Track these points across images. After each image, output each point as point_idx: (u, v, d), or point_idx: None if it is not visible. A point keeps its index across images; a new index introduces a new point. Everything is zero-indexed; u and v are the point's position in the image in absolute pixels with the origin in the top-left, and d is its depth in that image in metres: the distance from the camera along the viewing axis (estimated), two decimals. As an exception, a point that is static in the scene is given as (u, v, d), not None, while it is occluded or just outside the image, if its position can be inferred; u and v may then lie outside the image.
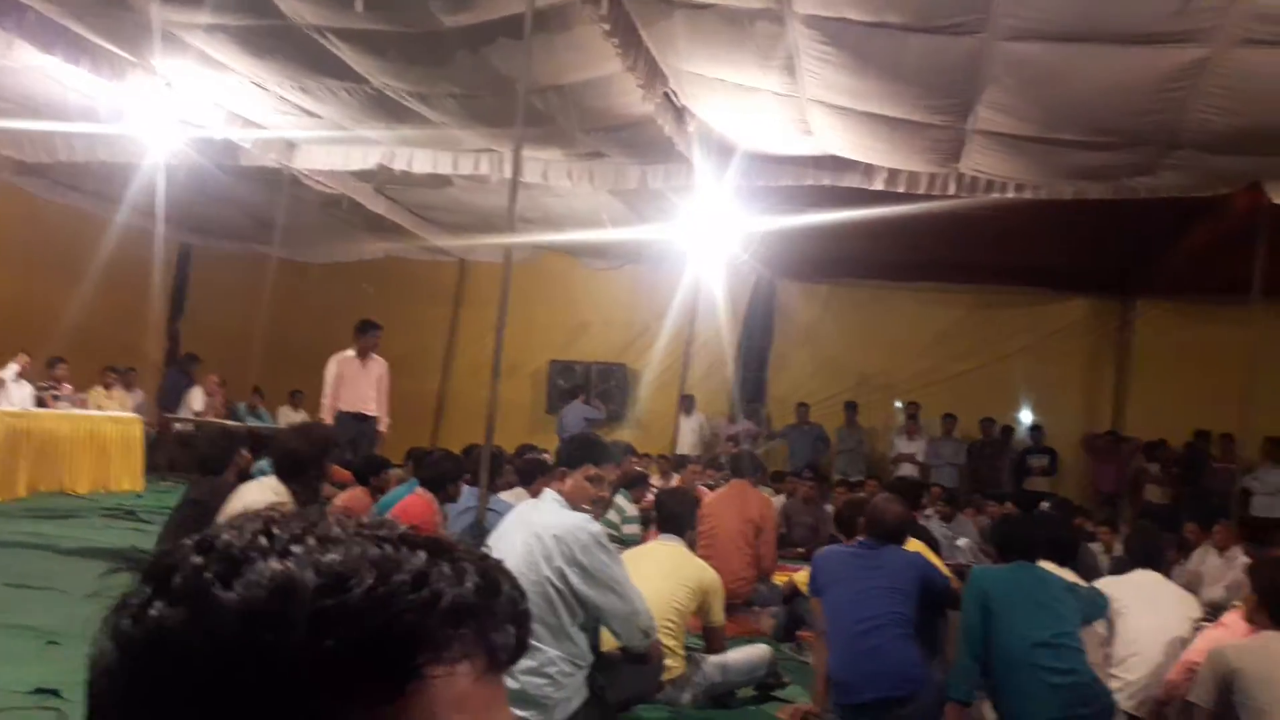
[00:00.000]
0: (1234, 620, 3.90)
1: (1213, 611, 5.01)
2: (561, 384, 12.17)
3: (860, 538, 4.22)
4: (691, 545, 4.44)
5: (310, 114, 7.85)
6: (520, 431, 10.25)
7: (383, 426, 7.82)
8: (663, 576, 3.90)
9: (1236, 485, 8.32)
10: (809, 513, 8.50)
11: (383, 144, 8.42)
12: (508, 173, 6.71)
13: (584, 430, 10.18)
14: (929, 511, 8.03)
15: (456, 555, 0.62)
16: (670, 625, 3.82)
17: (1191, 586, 6.47)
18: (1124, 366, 11.41)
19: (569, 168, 8.36)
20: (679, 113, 7.18)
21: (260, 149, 8.69)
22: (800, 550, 7.56)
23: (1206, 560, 7.25)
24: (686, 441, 11.00)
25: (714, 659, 4.03)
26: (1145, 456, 10.52)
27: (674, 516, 4.26)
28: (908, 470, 10.62)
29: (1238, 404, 8.22)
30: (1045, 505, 8.02)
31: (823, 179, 7.85)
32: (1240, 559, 7.13)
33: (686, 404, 11.28)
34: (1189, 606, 4.61)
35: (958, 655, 3.73)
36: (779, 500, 8.66)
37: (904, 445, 11.11)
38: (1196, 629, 4.32)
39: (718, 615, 4.02)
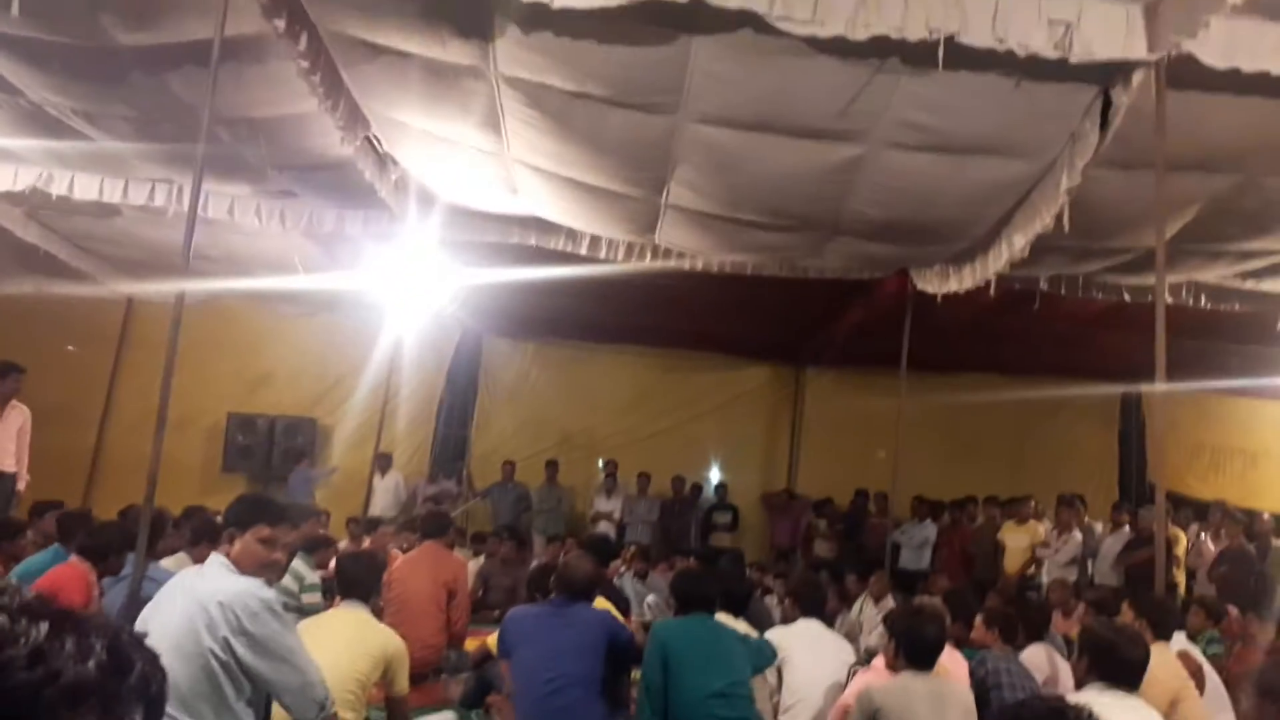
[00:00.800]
0: (879, 664, 4.36)
1: (868, 656, 5.56)
2: (241, 439, 11.30)
3: (551, 596, 4.29)
4: (377, 612, 4.29)
5: (-55, 123, 6.89)
6: (191, 493, 9.38)
7: (21, 484, 6.91)
8: (343, 646, 3.74)
9: (889, 540, 9.36)
10: (507, 574, 8.45)
11: (38, 164, 7.55)
12: (185, 205, 6.26)
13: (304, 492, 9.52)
14: (624, 569, 8.29)
15: (84, 629, 0.58)
16: (350, 697, 3.65)
17: (852, 634, 7.16)
18: (797, 429, 12.56)
19: (258, 205, 7.92)
20: (381, 159, 7.07)
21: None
22: (497, 613, 7.48)
23: (865, 609, 8.06)
24: (382, 502, 10.64)
25: (395, 730, 3.90)
26: (815, 513, 11.56)
27: (357, 582, 4.11)
28: (605, 528, 10.94)
29: (889, 465, 9.32)
30: (723, 560, 8.56)
31: (528, 239, 8.01)
32: (893, 607, 8.01)
33: (383, 462, 10.93)
34: (846, 653, 5.09)
35: (639, 709, 3.88)
36: (476, 562, 8.58)
37: (603, 503, 11.44)
38: (851, 674, 4.79)
39: (402, 684, 3.90)
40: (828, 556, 10.78)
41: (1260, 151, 5.76)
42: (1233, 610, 6.90)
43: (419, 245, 8.03)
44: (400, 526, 8.52)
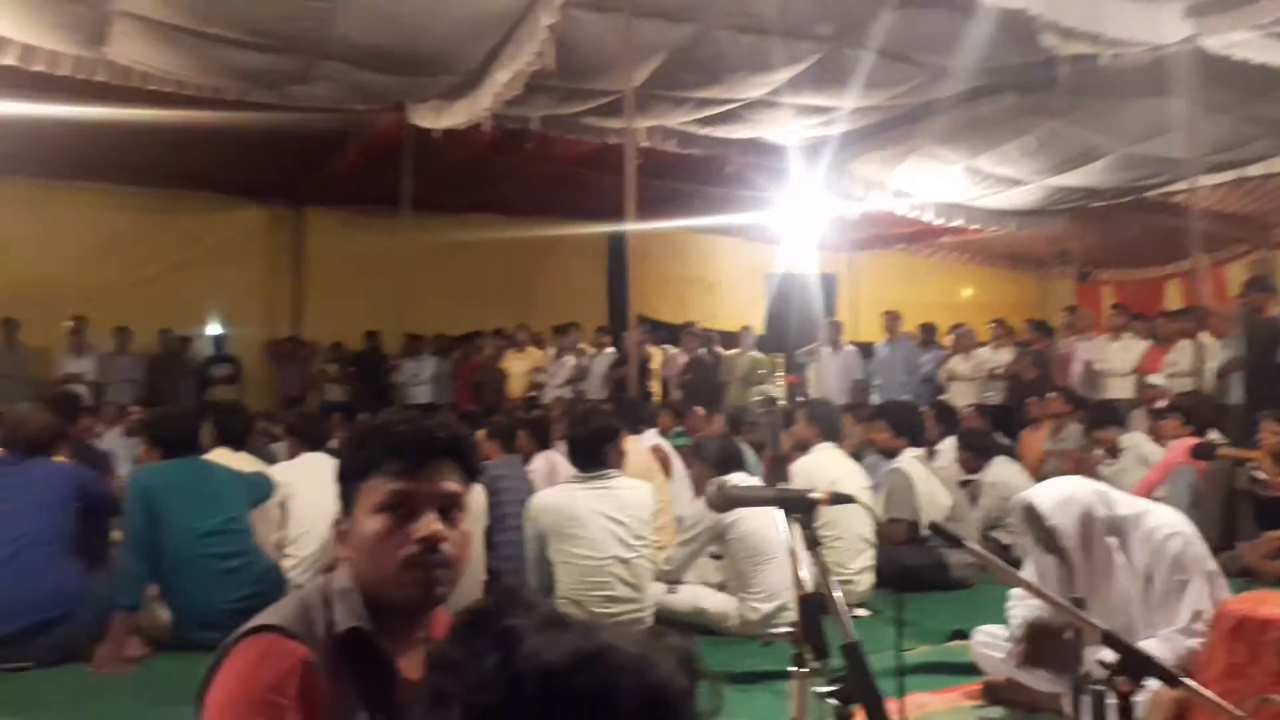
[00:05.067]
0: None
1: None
2: None
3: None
4: None
5: None
6: None
7: None
8: None
9: (397, 378, 9.57)
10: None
11: None
12: None
13: None
14: (99, 429, 7.53)
15: None
16: None
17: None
18: (301, 274, 12.07)
19: None
20: None
21: None
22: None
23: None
24: None
25: None
26: (326, 359, 11.39)
27: None
28: (79, 391, 9.73)
29: (396, 305, 9.42)
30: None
31: (-71, 44, 6.53)
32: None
33: None
34: (344, 481, 5.19)
35: (121, 560, 3.63)
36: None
37: (72, 364, 10.13)
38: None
39: None
40: (341, 400, 10.75)
41: (714, 5, 6.53)
42: (697, 409, 8.15)
43: None
44: None
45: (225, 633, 3.69)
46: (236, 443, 4.49)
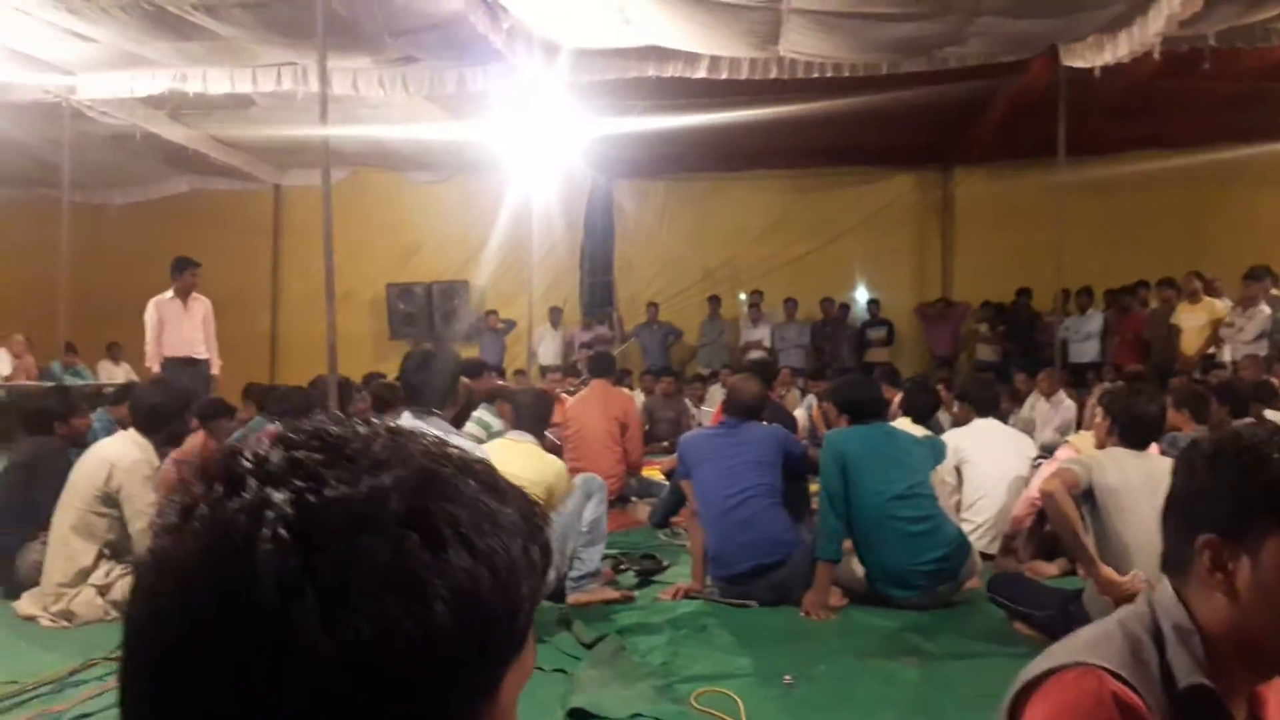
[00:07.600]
0: (1067, 454, 4.25)
1: (1046, 452, 5.45)
2: (403, 307, 11.84)
3: (722, 418, 4.37)
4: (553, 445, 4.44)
5: (84, 38, 7.16)
6: (365, 361, 9.95)
7: (214, 369, 7.45)
8: (519, 470, 3.82)
9: (1056, 336, 8.99)
10: (670, 407, 8.79)
11: (170, 65, 7.79)
12: (313, 86, 6.41)
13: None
14: (781, 391, 8.37)
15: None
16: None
17: (1026, 431, 7.03)
18: (948, 235, 12.03)
19: (380, 75, 7.96)
20: (491, 9, 6.93)
21: (33, 81, 7.89)
22: (665, 444, 7.80)
23: (1036, 406, 7.89)
24: (550, 351, 11.06)
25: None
26: (974, 318, 11.22)
27: (529, 415, 4.16)
28: (757, 356, 10.98)
29: (1052, 259, 8.85)
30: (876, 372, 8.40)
31: (646, 70, 7.80)
32: (1065, 402, 7.80)
33: (554, 315, 11.40)
34: (1026, 447, 5.00)
35: (822, 516, 3.94)
36: (639, 398, 8.85)
37: (751, 332, 11.47)
38: (1034, 467, 4.71)
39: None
40: (992, 359, 10.53)
41: None
42: None
43: (541, 94, 7.93)
44: (564, 372, 8.81)
45: (917, 592, 3.79)
46: (922, 418, 4.62)
